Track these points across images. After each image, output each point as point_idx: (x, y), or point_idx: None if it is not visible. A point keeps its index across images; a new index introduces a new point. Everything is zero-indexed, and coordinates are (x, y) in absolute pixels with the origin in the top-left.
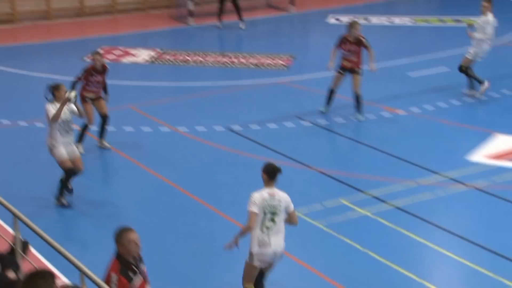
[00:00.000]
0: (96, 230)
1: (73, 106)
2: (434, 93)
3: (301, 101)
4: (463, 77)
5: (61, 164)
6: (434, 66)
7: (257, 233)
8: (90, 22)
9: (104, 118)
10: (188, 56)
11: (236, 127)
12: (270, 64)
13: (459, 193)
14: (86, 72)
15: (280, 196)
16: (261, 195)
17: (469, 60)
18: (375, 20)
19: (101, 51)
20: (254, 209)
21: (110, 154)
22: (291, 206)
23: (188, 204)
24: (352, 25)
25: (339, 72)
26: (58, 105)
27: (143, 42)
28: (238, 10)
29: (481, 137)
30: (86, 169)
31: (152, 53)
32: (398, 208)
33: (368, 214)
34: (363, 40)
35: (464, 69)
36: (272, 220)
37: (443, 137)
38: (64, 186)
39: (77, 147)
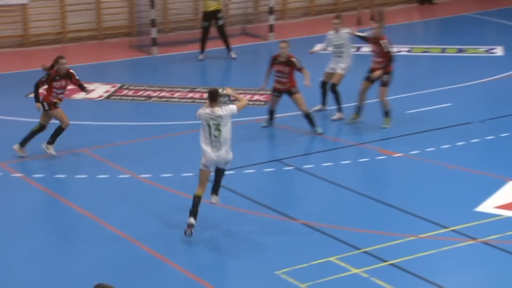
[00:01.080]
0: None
1: None
2: (436, 133)
3: (282, 142)
4: (470, 114)
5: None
6: (435, 102)
7: (206, 141)
8: (35, 52)
9: (62, 128)
10: (151, 91)
11: None
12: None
13: (465, 248)
14: (50, 77)
15: (221, 112)
16: (204, 110)
17: (343, 76)
18: (366, 48)
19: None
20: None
21: (58, 205)
22: (235, 109)
23: (140, 257)
24: (280, 45)
25: (274, 95)
26: None
27: (98, 75)
28: (225, 38)
29: (492, 184)
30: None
31: (109, 88)
32: (396, 266)
33: (362, 273)
34: (294, 61)
35: (336, 88)
36: (218, 130)
37: (448, 183)
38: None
39: (47, 149)
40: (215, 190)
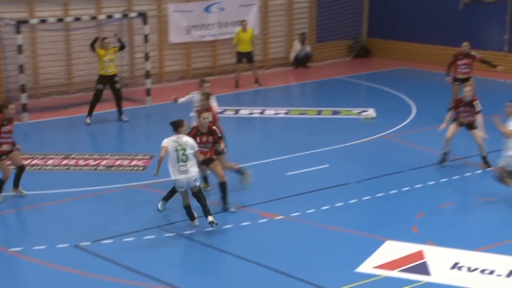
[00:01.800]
0: None
1: None
2: (316, 194)
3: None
4: (347, 174)
5: None
6: (313, 163)
7: (175, 166)
8: None
9: (22, 168)
10: (22, 159)
11: (84, 243)
12: (125, 165)
13: None
14: None
15: (185, 139)
16: (169, 139)
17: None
18: (245, 111)
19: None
20: (164, 144)
21: None
22: (195, 147)
23: None
24: (203, 115)
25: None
26: None
27: None
28: (119, 101)
29: (370, 244)
30: None
31: None
32: None
33: None
34: (216, 129)
35: None
36: (184, 154)
37: (328, 245)
38: None
39: None
40: (206, 213)
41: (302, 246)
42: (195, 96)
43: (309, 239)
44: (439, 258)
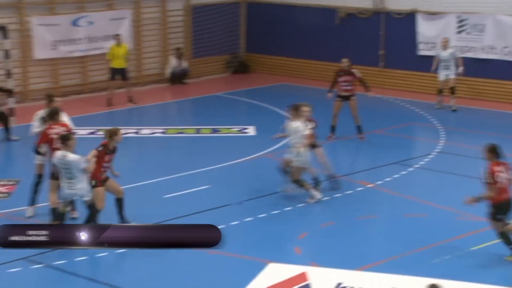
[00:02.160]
0: None
1: None
2: (195, 217)
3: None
4: (228, 195)
5: None
6: (193, 185)
7: (62, 181)
8: None
9: None
10: None
11: None
12: None
13: None
14: None
15: (70, 159)
16: (56, 156)
17: None
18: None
19: None
20: (55, 164)
21: None
22: (81, 166)
23: None
24: (115, 132)
25: (93, 186)
26: None
27: None
28: (6, 120)
29: (253, 268)
30: None
31: None
32: None
33: None
34: (117, 147)
35: None
36: (69, 173)
37: (209, 270)
38: None
39: None
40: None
41: (181, 273)
42: (42, 114)
43: (188, 265)
44: (322, 279)
